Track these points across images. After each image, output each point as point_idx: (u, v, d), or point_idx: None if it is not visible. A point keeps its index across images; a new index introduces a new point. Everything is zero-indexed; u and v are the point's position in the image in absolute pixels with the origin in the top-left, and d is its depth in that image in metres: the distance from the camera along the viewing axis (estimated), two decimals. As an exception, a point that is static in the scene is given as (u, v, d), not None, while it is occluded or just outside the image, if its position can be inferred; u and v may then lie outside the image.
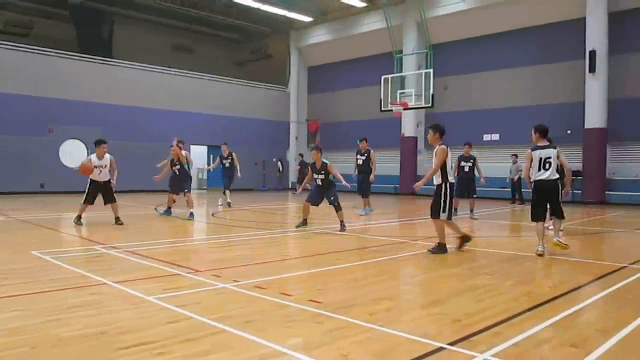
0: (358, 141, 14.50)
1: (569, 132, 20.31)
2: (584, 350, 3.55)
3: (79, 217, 11.04)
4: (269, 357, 3.39)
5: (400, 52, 22.25)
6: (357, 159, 14.18)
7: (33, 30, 26.10)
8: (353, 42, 26.80)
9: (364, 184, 13.86)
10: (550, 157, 7.85)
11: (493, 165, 21.58)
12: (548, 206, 7.82)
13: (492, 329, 4.01)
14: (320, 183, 10.46)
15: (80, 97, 21.95)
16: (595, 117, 18.96)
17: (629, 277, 6.08)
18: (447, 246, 7.84)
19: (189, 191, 12.29)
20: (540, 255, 7.48)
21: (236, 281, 5.58)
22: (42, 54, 21.43)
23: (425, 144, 25.14)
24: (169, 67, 25.68)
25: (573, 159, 20.02)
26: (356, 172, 14.19)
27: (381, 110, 20.91)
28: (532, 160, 7.85)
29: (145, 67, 24.42)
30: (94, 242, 8.40)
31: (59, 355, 3.40)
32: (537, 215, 7.78)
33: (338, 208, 10.35)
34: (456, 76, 23.84)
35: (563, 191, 8.91)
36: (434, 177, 7.98)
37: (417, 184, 8.31)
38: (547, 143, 8.12)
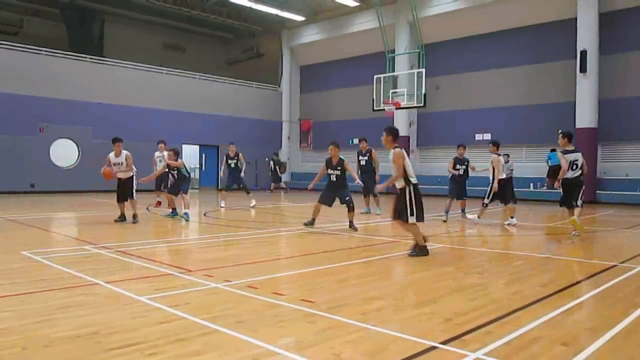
0: (351, 141, 14.45)
1: (559, 131, 20.39)
2: (575, 349, 3.57)
3: (120, 216, 11.40)
4: (261, 357, 3.38)
5: (393, 51, 22.29)
6: (359, 160, 14.14)
7: (23, 29, 25.95)
8: (345, 42, 26.82)
9: (370, 184, 13.69)
10: (577, 160, 9.71)
11: (484, 165, 21.64)
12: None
13: (483, 327, 4.02)
14: (334, 179, 10.35)
15: (71, 96, 21.81)
16: (586, 116, 19.09)
17: (619, 275, 6.12)
18: (440, 246, 7.84)
19: (186, 192, 12.24)
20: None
21: (228, 281, 5.56)
22: (33, 52, 21.27)
23: (418, 143, 25.24)
24: (161, 66, 25.57)
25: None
26: (359, 172, 14.07)
27: (373, 110, 20.94)
28: (563, 162, 9.65)
29: (136, 66, 24.31)
30: (85, 242, 8.35)
31: (50, 356, 3.37)
32: (567, 203, 9.91)
33: (351, 208, 10.29)
34: (448, 76, 23.92)
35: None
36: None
37: (378, 186, 8.24)
38: (573, 147, 9.89)
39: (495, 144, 11.89)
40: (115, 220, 11.33)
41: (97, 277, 5.66)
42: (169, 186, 13.03)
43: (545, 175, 20.18)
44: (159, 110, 24.40)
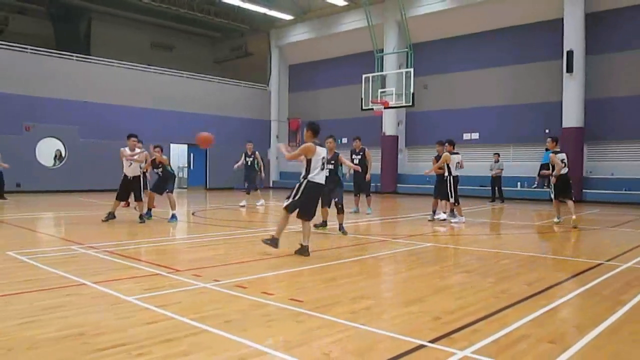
0: (339, 141, 14.43)
1: (547, 131, 20.59)
2: (561, 346, 3.61)
3: (111, 214, 11.35)
4: (250, 356, 3.38)
5: (381, 51, 22.33)
6: (352, 159, 14.08)
7: (8, 27, 25.64)
8: (334, 41, 26.82)
9: (364, 183, 13.79)
10: (564, 159, 11.48)
11: (473, 164, 21.78)
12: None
13: (471, 326, 4.05)
14: (327, 175, 9.51)
15: (57, 94, 21.59)
16: (572, 116, 19.26)
17: (605, 273, 6.19)
18: (428, 245, 7.88)
19: (171, 191, 12.08)
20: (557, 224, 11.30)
21: (217, 281, 5.55)
22: (18, 50, 21.03)
23: (406, 142, 25.31)
24: (148, 65, 25.39)
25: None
26: (350, 172, 14.07)
27: (362, 109, 20.97)
28: (561, 161, 11.29)
29: (123, 64, 24.11)
30: (71, 242, 8.28)
31: (36, 358, 3.34)
32: (561, 196, 11.68)
33: (341, 210, 9.86)
34: (436, 75, 24.01)
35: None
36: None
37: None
38: (559, 149, 11.67)
39: (451, 143, 12.08)
40: (103, 220, 11.19)
41: (84, 277, 5.62)
42: (153, 184, 12.43)
43: (536, 174, 20.38)
44: (147, 109, 24.23)
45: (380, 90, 20.28)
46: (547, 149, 19.96)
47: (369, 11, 21.37)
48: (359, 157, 13.89)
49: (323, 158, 7.46)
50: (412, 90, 19.07)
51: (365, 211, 13.86)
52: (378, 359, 3.36)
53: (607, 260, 7.09)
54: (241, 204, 15.81)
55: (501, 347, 3.58)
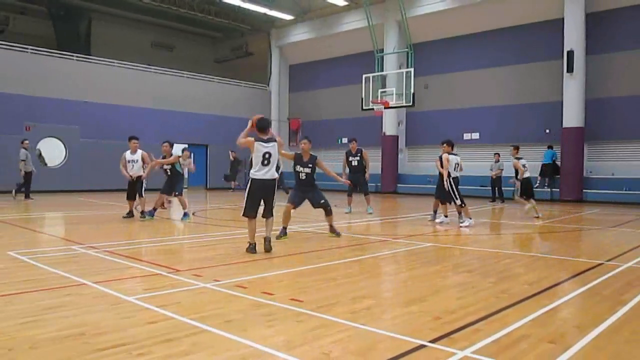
0: (339, 140, 14.52)
1: (547, 131, 20.61)
2: (562, 346, 3.61)
3: (129, 212, 11.86)
4: (250, 356, 3.38)
5: (381, 51, 22.34)
6: (350, 161, 14.15)
7: (9, 27, 25.64)
8: (334, 41, 26.82)
9: (363, 183, 14.02)
10: (526, 164, 12.80)
11: (473, 164, 21.78)
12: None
13: (472, 325, 4.04)
14: (303, 178, 9.22)
15: (58, 94, 21.60)
16: (572, 116, 19.25)
17: (605, 273, 6.18)
18: (428, 245, 7.87)
19: (180, 193, 12.13)
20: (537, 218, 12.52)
21: (217, 280, 5.55)
22: (18, 50, 21.04)
23: (407, 142, 25.31)
24: (149, 65, 25.40)
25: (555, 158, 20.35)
26: (347, 171, 14.24)
27: (362, 109, 20.98)
28: (522, 166, 12.58)
29: (124, 64, 24.12)
30: (72, 242, 8.28)
31: (37, 357, 3.34)
32: (529, 195, 12.85)
33: (329, 212, 9.26)
34: (437, 75, 24.01)
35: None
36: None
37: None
38: (520, 156, 13.05)
39: (449, 143, 11.66)
40: (124, 217, 11.74)
41: (85, 277, 5.62)
42: (163, 186, 12.37)
43: (537, 175, 20.38)
44: (147, 109, 24.25)
45: (380, 90, 20.29)
46: (549, 147, 20.04)
47: (369, 11, 21.38)
48: (357, 158, 14.00)
49: (266, 154, 7.31)
50: (412, 90, 19.08)
51: (366, 211, 13.90)
52: (378, 359, 3.36)
53: (608, 260, 7.09)
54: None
55: (502, 347, 3.58)
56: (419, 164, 24.65)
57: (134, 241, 8.72)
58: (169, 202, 14.45)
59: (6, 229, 10.19)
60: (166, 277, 5.76)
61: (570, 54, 18.93)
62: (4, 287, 5.16)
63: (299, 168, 9.26)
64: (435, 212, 12.34)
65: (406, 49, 20.74)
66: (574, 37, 19.06)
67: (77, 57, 22.84)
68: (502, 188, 19.04)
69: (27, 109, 20.71)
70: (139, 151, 11.94)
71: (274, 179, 7.50)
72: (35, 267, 6.22)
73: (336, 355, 3.39)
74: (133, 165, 11.74)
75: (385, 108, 20.37)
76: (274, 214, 7.75)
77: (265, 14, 26.45)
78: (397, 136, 24.59)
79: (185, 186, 27.07)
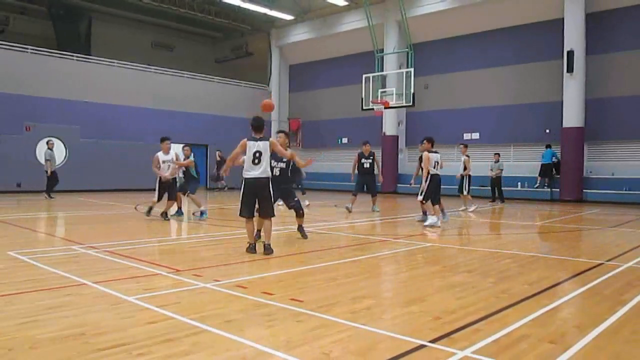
0: (339, 140, 14.75)
1: (547, 131, 20.60)
2: (562, 346, 3.60)
3: (150, 210, 11.90)
4: (250, 356, 3.38)
5: (381, 51, 22.34)
6: (362, 163, 14.48)
7: (9, 27, 25.63)
8: (334, 41, 26.83)
9: (372, 184, 14.69)
10: (438, 160, 11.53)
11: (473, 164, 21.76)
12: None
13: (472, 325, 4.04)
14: (277, 174, 8.72)
15: (58, 94, 21.61)
16: (573, 116, 19.25)
17: (605, 273, 6.18)
18: (428, 245, 7.86)
19: (193, 192, 12.37)
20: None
21: (217, 280, 5.55)
22: (18, 50, 21.04)
23: (407, 142, 25.31)
24: (149, 65, 25.40)
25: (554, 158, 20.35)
26: (356, 173, 14.80)
27: (362, 109, 20.98)
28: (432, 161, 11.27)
29: (124, 64, 24.12)
30: (72, 242, 8.28)
31: (37, 357, 3.34)
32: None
33: (301, 214, 8.93)
34: (437, 75, 24.02)
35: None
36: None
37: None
38: (435, 150, 11.63)
39: (430, 140, 11.57)
40: (168, 218, 11.83)
41: (85, 277, 5.62)
42: (179, 185, 12.76)
43: (537, 174, 20.39)
44: (148, 109, 24.26)
45: (380, 90, 20.29)
46: (547, 146, 20.03)
47: (369, 11, 21.38)
48: (369, 160, 14.42)
49: (256, 152, 7.30)
50: (412, 90, 19.08)
51: (371, 210, 14.39)
52: (378, 359, 3.36)
53: (608, 260, 7.09)
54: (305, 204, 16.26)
55: (502, 347, 3.58)
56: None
57: (134, 241, 8.72)
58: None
59: (6, 229, 10.19)
60: (166, 277, 5.76)
61: (570, 54, 18.93)
62: (4, 287, 5.16)
63: (273, 163, 8.59)
64: (425, 213, 12.10)
65: (406, 49, 20.74)
66: (574, 37, 19.06)
67: (77, 57, 22.84)
68: (502, 188, 19.04)
69: (27, 109, 20.71)
70: (172, 151, 12.10)
71: (267, 178, 7.39)
72: (35, 267, 6.22)
73: (336, 355, 3.39)
74: (169, 166, 11.83)
75: (385, 108, 20.36)
76: (275, 214, 7.71)
77: (265, 14, 26.45)
78: (397, 136, 24.60)
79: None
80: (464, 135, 22.86)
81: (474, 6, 21.56)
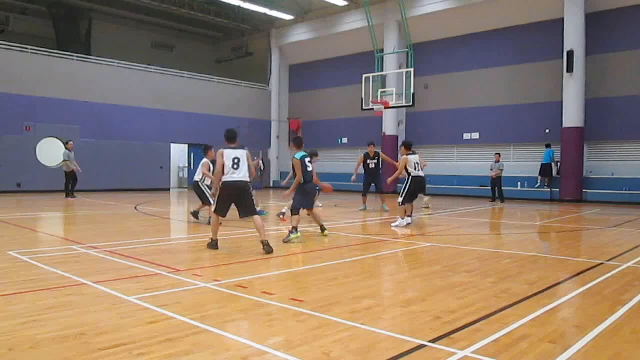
0: (339, 140, 14.85)
1: (547, 131, 20.60)
2: (562, 346, 3.61)
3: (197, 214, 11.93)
4: (250, 356, 3.38)
5: (382, 51, 22.33)
6: (367, 164, 14.82)
7: (9, 27, 25.63)
8: (334, 41, 26.83)
9: (380, 184, 15.01)
10: (417, 161, 11.44)
11: (473, 164, 21.80)
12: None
13: (472, 325, 4.05)
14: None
15: (58, 94, 21.61)
16: (572, 116, 19.25)
17: (605, 273, 6.19)
18: (428, 245, 7.86)
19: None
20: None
21: (217, 280, 5.55)
22: (18, 50, 21.04)
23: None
24: (149, 65, 25.41)
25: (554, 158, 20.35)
26: (360, 173, 15.14)
27: (362, 109, 20.97)
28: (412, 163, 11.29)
29: (124, 64, 24.12)
30: (72, 242, 8.28)
31: (37, 357, 3.34)
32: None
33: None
34: (437, 75, 24.01)
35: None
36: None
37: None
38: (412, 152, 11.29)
39: (406, 145, 11.67)
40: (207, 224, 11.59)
41: (85, 277, 5.62)
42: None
43: (537, 174, 20.39)
44: (148, 109, 24.26)
45: (380, 90, 20.27)
46: (547, 146, 20.04)
47: (369, 11, 21.37)
48: (375, 161, 14.72)
49: (235, 159, 7.73)
50: (412, 91, 19.05)
51: (382, 208, 14.71)
52: (379, 359, 3.36)
53: (608, 260, 7.09)
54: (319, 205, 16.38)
55: (502, 347, 3.58)
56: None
57: (134, 241, 8.72)
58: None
59: (6, 228, 10.19)
60: (166, 277, 5.76)
61: (570, 54, 18.93)
62: (5, 287, 5.16)
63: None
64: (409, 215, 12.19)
65: (406, 49, 20.73)
66: (573, 37, 19.06)
67: (77, 57, 22.84)
68: (502, 188, 19.05)
69: (27, 109, 20.72)
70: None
71: (246, 181, 7.75)
72: (35, 267, 6.22)
73: (336, 355, 3.40)
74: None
75: (385, 108, 20.34)
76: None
77: (265, 14, 26.45)
78: (397, 136, 24.58)
79: (185, 186, 27.20)
80: (464, 135, 22.88)
81: (474, 6, 21.56)
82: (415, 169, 11.31)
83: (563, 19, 19.44)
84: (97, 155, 22.10)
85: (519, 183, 20.96)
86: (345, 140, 27.26)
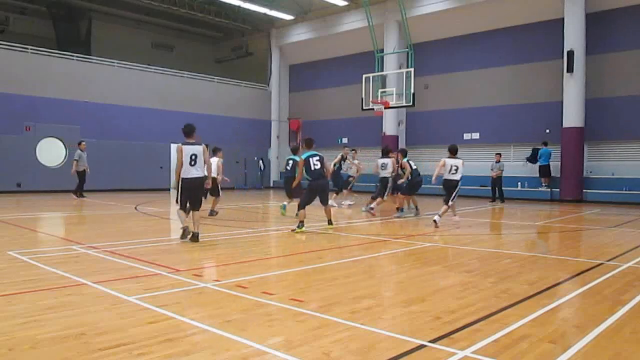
0: (339, 140, 14.95)
1: (547, 131, 20.60)
2: (562, 346, 3.61)
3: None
4: (250, 356, 3.38)
5: (382, 51, 22.32)
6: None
7: (9, 27, 25.63)
8: (334, 41, 26.82)
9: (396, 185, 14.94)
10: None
11: (473, 164, 21.78)
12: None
13: (472, 325, 4.05)
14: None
15: (58, 94, 21.60)
16: (573, 116, 19.24)
17: (605, 273, 6.18)
18: (428, 244, 7.87)
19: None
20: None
21: (217, 280, 5.55)
22: (18, 50, 21.03)
23: (407, 142, 25.30)
24: (149, 65, 25.40)
25: (552, 158, 20.35)
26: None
27: (362, 109, 20.96)
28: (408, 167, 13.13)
29: (124, 64, 24.11)
30: (72, 242, 8.28)
31: (37, 357, 3.34)
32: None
33: (195, 237, 8.50)
34: (437, 75, 24.00)
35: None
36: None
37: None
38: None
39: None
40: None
41: (85, 277, 5.62)
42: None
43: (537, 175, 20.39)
44: (148, 109, 24.25)
45: (380, 90, 20.27)
46: (544, 143, 20.02)
47: (369, 11, 21.36)
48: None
49: (192, 155, 8.34)
50: (412, 90, 19.05)
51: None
52: (379, 359, 3.36)
53: (608, 260, 7.09)
54: (347, 203, 16.42)
55: (502, 347, 3.58)
56: (419, 164, 24.51)
57: (134, 241, 8.72)
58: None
59: (6, 228, 10.19)
60: (166, 277, 5.76)
61: (570, 54, 18.92)
62: (5, 287, 5.16)
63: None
64: (401, 209, 13.68)
65: (406, 49, 20.72)
66: (573, 37, 19.05)
67: (77, 57, 22.84)
68: (503, 188, 19.05)
69: (27, 109, 20.71)
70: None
71: (201, 177, 8.46)
72: (35, 267, 6.22)
73: (336, 355, 3.40)
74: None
75: (385, 108, 20.34)
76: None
77: (265, 14, 26.45)
78: (397, 136, 24.57)
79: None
80: (464, 135, 22.87)
81: (474, 6, 21.56)
82: (450, 171, 11.71)
83: (563, 19, 19.43)
84: (97, 155, 22.06)
85: (519, 183, 20.96)
86: (345, 140, 27.23)
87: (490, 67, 22.46)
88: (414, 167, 13.79)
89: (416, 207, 14.09)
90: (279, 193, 24.15)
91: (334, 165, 16.13)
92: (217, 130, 26.55)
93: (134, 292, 4.99)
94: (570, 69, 18.96)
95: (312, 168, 10.00)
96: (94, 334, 3.76)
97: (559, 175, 19.80)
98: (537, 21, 20.94)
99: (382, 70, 21.36)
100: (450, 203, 11.56)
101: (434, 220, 11.02)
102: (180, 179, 8.29)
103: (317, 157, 10.15)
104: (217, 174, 12.82)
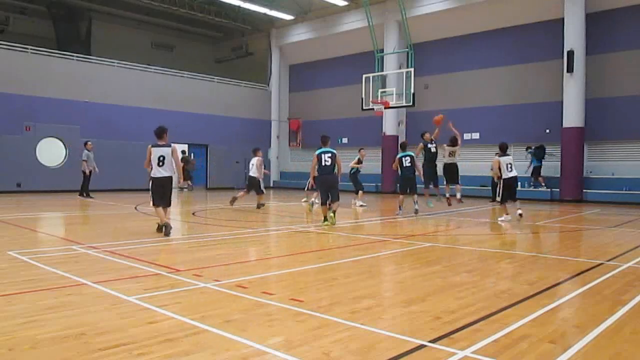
0: (339, 140, 14.89)
1: (547, 131, 20.60)
2: (562, 346, 3.61)
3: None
4: (250, 356, 3.38)
5: (382, 51, 22.32)
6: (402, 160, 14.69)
7: (9, 27, 25.64)
8: (334, 41, 26.82)
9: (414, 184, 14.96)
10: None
11: (473, 164, 21.80)
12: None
13: (472, 325, 4.04)
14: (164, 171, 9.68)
15: (58, 94, 21.60)
16: (573, 116, 19.24)
17: (605, 273, 6.18)
18: (428, 244, 7.86)
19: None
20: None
21: (217, 280, 5.55)
22: (18, 50, 21.03)
23: (407, 142, 25.28)
24: (149, 65, 25.41)
25: (551, 158, 20.36)
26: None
27: (362, 109, 20.96)
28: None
29: (124, 64, 24.12)
30: (72, 242, 8.28)
31: (37, 357, 3.34)
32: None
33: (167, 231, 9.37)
34: (437, 75, 24.01)
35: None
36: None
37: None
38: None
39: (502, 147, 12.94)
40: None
41: (85, 277, 5.62)
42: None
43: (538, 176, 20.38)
44: (148, 109, 24.24)
45: (380, 90, 20.26)
46: (543, 147, 20.00)
47: (369, 11, 21.36)
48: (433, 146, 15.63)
49: (160, 157, 9.03)
50: (412, 90, 19.04)
51: (427, 205, 14.76)
52: (379, 359, 3.36)
53: (608, 260, 7.09)
54: (359, 204, 16.30)
55: (502, 347, 3.58)
56: (419, 163, 24.61)
57: (134, 241, 8.72)
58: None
59: (6, 229, 10.19)
60: (166, 277, 5.76)
61: (570, 54, 18.92)
62: (5, 287, 5.16)
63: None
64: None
65: (406, 49, 20.72)
66: (574, 37, 19.05)
67: (77, 57, 22.83)
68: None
69: (27, 109, 20.70)
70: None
71: (169, 176, 9.18)
72: (35, 267, 6.22)
73: (336, 355, 3.39)
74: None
75: (385, 108, 20.33)
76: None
77: (265, 14, 26.45)
78: (397, 136, 24.57)
79: (185, 186, 27.18)
80: (464, 135, 22.84)
81: (474, 6, 21.56)
82: (507, 169, 11.99)
83: (563, 19, 19.44)
84: (97, 155, 21.99)
85: (519, 183, 20.91)
86: (345, 140, 27.24)
87: (490, 67, 22.47)
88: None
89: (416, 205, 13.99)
90: (279, 193, 24.16)
91: (351, 170, 16.07)
92: (217, 130, 26.59)
93: (134, 292, 4.99)
94: (570, 69, 18.97)
95: (323, 164, 10.89)
96: (94, 334, 3.76)
97: (558, 175, 19.81)
98: (537, 21, 20.95)
99: (382, 70, 21.35)
100: (515, 198, 12.31)
101: (520, 214, 11.92)
102: (151, 179, 9.14)
103: (330, 154, 11.03)
104: (258, 174, 14.50)
